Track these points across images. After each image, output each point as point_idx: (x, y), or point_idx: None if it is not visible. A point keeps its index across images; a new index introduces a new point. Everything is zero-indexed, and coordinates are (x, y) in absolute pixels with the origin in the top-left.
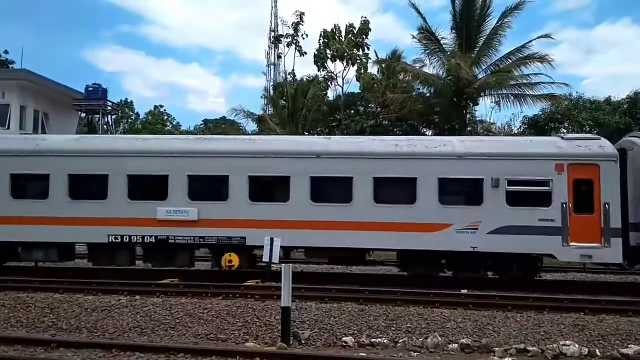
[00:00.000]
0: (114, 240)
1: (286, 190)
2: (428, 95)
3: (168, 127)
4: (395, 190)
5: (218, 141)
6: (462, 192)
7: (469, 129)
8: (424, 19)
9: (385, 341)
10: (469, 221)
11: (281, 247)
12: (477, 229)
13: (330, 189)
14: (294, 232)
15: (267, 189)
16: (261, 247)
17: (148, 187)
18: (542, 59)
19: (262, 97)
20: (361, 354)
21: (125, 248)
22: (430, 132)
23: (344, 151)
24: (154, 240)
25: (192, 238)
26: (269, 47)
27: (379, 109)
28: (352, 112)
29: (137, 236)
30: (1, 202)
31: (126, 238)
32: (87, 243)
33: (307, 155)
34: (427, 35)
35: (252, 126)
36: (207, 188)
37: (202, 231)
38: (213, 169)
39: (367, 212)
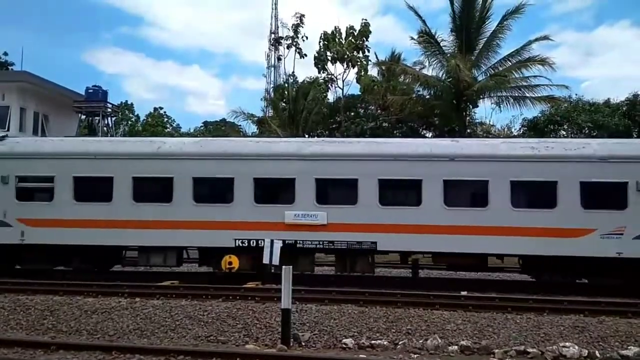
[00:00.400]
0: (240, 244)
1: (417, 193)
2: (428, 97)
3: (168, 129)
4: (533, 193)
5: (346, 144)
6: (605, 195)
7: (468, 130)
8: (424, 21)
9: (385, 343)
10: (613, 226)
11: (402, 252)
12: (622, 234)
13: (464, 193)
14: (425, 237)
15: (398, 192)
16: (393, 252)
17: (275, 191)
18: (543, 61)
19: (261, 99)
20: (361, 355)
21: (248, 252)
22: (430, 134)
23: (479, 153)
24: (281, 244)
25: (321, 242)
26: (269, 49)
27: (378, 111)
28: (352, 114)
29: (264, 240)
30: (122, 206)
31: (253, 242)
32: (210, 247)
33: (440, 157)
34: (427, 39)
35: (252, 128)
36: (336, 191)
37: (331, 235)
38: (341, 172)
39: (503, 217)
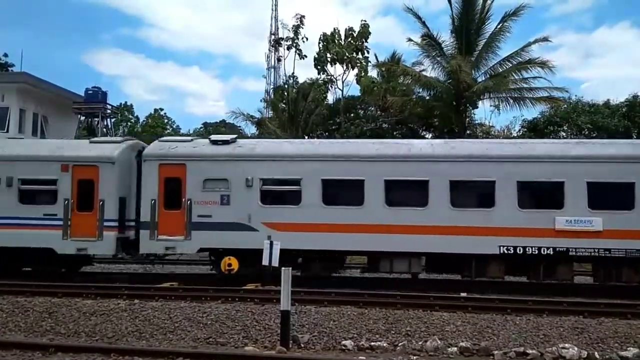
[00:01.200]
0: (505, 252)
1: None
2: (427, 98)
3: (168, 130)
4: None
5: (620, 145)
6: None
7: (468, 132)
8: (424, 23)
9: (384, 344)
10: None
11: None
12: None
13: None
14: None
15: None
16: None
17: (540, 195)
18: (542, 64)
19: (261, 101)
20: (360, 357)
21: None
22: (430, 135)
23: None
24: (551, 252)
25: (597, 250)
26: (269, 50)
27: (378, 112)
28: (352, 115)
29: (532, 247)
30: (374, 209)
31: (519, 249)
32: (470, 254)
33: None
34: (429, 41)
35: (251, 129)
36: (610, 196)
37: (607, 243)
38: (616, 176)
39: None
